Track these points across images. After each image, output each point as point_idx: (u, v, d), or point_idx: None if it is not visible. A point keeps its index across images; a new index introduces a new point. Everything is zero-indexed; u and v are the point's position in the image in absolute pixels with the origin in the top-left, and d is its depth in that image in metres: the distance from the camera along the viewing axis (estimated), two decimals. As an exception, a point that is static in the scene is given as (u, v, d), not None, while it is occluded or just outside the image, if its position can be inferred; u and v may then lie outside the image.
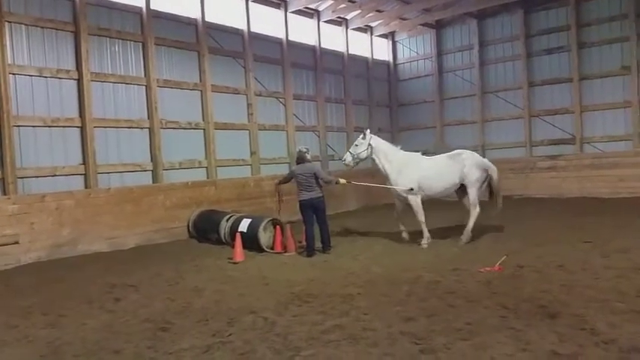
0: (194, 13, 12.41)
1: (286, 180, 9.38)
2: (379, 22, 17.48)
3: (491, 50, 17.25)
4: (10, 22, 9.27)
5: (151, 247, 10.22)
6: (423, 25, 17.77)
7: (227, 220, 10.13)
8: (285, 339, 4.68)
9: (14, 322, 5.61)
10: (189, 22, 12.36)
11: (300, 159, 8.97)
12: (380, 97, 18.76)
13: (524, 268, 6.83)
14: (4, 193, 8.98)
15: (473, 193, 9.32)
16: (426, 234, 9.16)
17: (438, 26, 18.12)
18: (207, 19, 12.58)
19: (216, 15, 12.99)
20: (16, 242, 8.62)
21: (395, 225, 9.88)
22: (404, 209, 9.71)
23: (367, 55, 18.12)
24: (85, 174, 10.12)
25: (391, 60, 19.24)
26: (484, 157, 16.75)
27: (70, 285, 7.29)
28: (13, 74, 9.28)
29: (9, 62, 9.19)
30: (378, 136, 10.23)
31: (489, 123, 17.35)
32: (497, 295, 5.67)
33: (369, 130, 9.80)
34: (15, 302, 6.41)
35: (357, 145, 9.60)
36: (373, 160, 9.66)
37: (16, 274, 8.12)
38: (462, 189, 9.55)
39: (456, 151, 9.87)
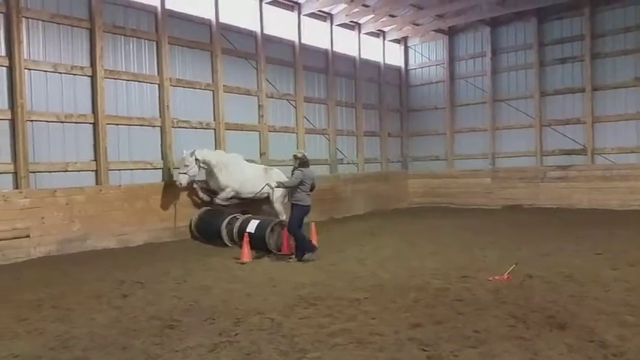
0: (208, 14, 12.49)
1: (294, 184, 8.61)
2: (392, 27, 17.50)
3: (504, 58, 17.21)
4: (27, 17, 9.38)
5: (159, 245, 10.29)
6: (435, 31, 17.77)
7: (231, 222, 10.14)
8: (291, 341, 4.68)
9: (24, 314, 5.66)
10: (204, 23, 12.43)
11: (306, 163, 8.74)
12: (391, 102, 18.75)
13: (534, 278, 6.79)
14: (16, 187, 9.07)
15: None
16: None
17: (451, 33, 18.11)
18: (221, 20, 12.65)
19: (230, 16, 13.05)
20: (27, 236, 8.71)
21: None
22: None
23: (379, 59, 18.12)
24: (96, 170, 10.19)
25: (403, 65, 19.22)
26: (494, 165, 17.04)
27: (79, 280, 7.34)
28: (29, 69, 9.38)
29: (25, 57, 9.29)
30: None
31: (500, 131, 17.29)
32: (505, 304, 5.63)
33: (196, 150, 10.48)
34: (25, 295, 6.46)
35: (187, 166, 10.27)
36: (205, 169, 10.70)
37: (26, 268, 8.20)
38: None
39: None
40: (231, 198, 10.88)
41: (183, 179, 10.21)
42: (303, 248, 8.58)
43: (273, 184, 9.37)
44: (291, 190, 8.81)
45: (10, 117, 9.11)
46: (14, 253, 8.59)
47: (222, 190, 10.71)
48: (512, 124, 17.01)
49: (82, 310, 5.83)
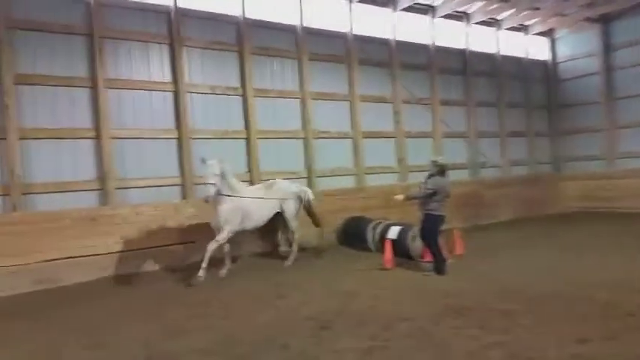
0: (344, 27, 12.86)
1: (425, 195, 7.97)
2: (535, 20, 16.32)
3: (672, 43, 15.02)
4: (187, 46, 10.54)
5: (309, 249, 10.57)
6: (585, 20, 16.15)
7: (375, 227, 10.26)
8: (443, 350, 4.61)
9: (195, 312, 6.32)
10: (339, 36, 12.83)
11: (445, 171, 8.14)
12: (537, 99, 17.49)
13: None
14: (183, 198, 10.20)
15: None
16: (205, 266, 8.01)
17: (604, 20, 16.28)
18: (355, 32, 12.96)
19: (364, 27, 13.29)
20: (193, 242, 9.65)
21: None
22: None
23: (522, 54, 17.03)
24: (249, 180, 10.96)
25: (549, 59, 17.82)
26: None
27: (240, 282, 8.01)
28: (190, 92, 10.51)
29: (186, 81, 10.43)
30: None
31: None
32: (691, 322, 4.92)
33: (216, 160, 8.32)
34: (194, 296, 7.21)
35: (217, 175, 8.09)
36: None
37: (190, 271, 8.94)
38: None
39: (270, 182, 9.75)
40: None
41: (212, 191, 8.04)
42: (439, 261, 8.05)
43: (400, 197, 8.48)
44: (424, 198, 8.09)
45: (176, 136, 10.30)
46: (185, 257, 9.52)
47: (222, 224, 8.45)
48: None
49: (245, 309, 6.34)
